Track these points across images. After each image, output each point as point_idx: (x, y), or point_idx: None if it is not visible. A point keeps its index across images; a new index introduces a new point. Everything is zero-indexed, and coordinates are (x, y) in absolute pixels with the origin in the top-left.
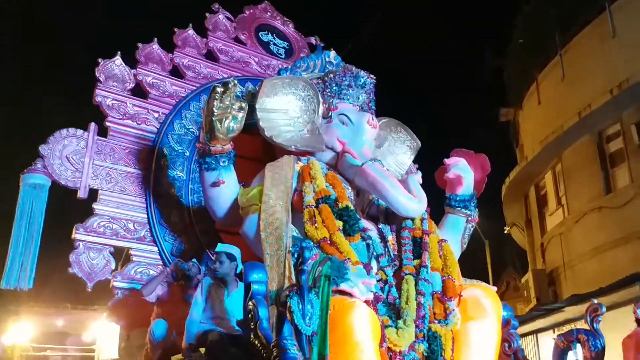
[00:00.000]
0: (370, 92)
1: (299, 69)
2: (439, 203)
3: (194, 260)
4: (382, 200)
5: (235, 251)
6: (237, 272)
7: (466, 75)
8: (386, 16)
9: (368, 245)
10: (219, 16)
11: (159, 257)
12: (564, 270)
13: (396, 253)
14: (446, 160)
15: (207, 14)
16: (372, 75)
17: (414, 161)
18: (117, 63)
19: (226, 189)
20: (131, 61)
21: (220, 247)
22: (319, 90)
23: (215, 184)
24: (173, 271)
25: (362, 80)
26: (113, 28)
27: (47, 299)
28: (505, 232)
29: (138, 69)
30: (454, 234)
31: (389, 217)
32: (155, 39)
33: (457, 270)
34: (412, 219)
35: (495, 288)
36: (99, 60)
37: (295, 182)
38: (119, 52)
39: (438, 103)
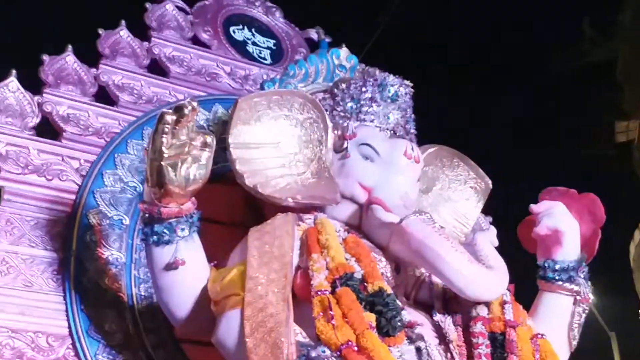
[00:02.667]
0: (406, 108)
1: (293, 79)
2: (529, 275)
3: None
4: (436, 275)
5: None
6: None
7: (557, 75)
8: None
9: (419, 350)
10: (167, 6)
11: None
12: None
13: None
14: (533, 207)
15: (147, 4)
16: (407, 82)
17: (484, 211)
18: (12, 88)
19: (188, 272)
20: (34, 83)
21: None
22: (327, 110)
23: (171, 266)
24: None
25: (393, 91)
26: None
27: None
28: None
29: (45, 95)
30: (556, 324)
31: (450, 302)
32: (70, 47)
33: None
34: (487, 304)
35: None
36: None
37: (296, 256)
38: (14, 72)
39: (515, 120)
